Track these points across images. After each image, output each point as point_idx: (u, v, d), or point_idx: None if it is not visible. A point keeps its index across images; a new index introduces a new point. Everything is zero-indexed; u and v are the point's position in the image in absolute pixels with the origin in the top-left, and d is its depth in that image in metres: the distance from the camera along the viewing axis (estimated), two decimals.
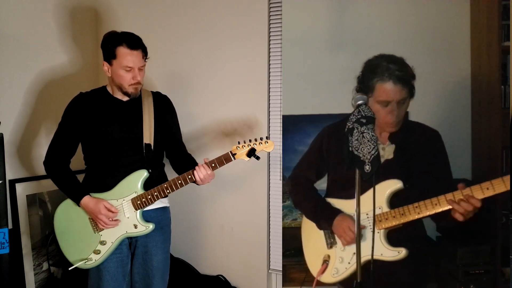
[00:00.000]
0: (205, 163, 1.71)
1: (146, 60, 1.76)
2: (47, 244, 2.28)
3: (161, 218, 1.86)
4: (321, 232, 1.91)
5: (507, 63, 1.70)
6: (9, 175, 2.05)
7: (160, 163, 1.90)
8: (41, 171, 2.29)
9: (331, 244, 1.89)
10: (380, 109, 1.80)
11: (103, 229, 1.75)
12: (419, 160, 1.81)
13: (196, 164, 1.80)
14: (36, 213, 2.24)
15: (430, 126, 1.80)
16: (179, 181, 1.71)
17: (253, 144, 1.68)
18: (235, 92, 2.37)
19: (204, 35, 2.42)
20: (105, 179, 1.77)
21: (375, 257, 1.72)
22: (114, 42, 1.69)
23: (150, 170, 1.75)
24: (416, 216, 1.71)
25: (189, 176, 1.70)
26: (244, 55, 2.32)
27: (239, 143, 1.70)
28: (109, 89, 1.82)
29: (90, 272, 1.80)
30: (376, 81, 1.81)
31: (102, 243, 1.75)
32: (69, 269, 1.78)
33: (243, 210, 2.39)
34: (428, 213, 1.69)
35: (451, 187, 1.69)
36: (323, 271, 1.88)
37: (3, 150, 1.77)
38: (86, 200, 1.72)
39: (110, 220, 1.71)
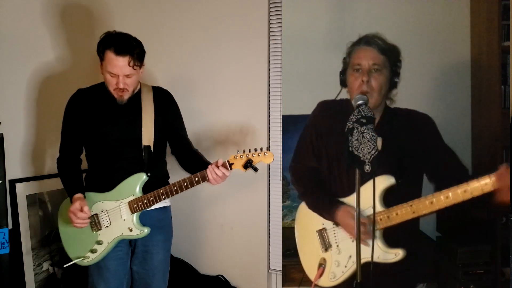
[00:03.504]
0: (215, 165, 1.64)
1: (138, 67, 1.67)
2: (49, 243, 2.28)
3: (161, 218, 1.85)
4: (316, 235, 1.90)
5: (507, 63, 1.70)
6: (9, 175, 2.05)
7: (161, 163, 1.89)
8: (41, 171, 2.30)
9: (326, 247, 1.87)
10: (353, 78, 1.77)
11: (100, 229, 1.75)
12: (410, 151, 1.77)
13: (205, 161, 1.78)
14: (36, 213, 2.23)
15: (420, 112, 1.76)
16: (175, 188, 1.67)
17: (252, 155, 1.59)
18: (235, 92, 2.37)
19: (204, 35, 2.42)
20: (104, 179, 1.77)
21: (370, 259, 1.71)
22: (104, 44, 1.64)
23: (149, 174, 1.74)
24: (411, 216, 1.69)
25: (196, 179, 1.65)
26: (244, 55, 2.33)
27: (238, 152, 1.62)
28: None
29: (90, 270, 1.81)
30: (352, 50, 1.80)
31: (99, 242, 1.75)
32: (64, 266, 1.79)
33: (243, 210, 2.39)
34: (424, 212, 1.67)
35: (465, 174, 1.68)
36: (320, 275, 1.87)
37: (3, 150, 1.77)
38: (75, 197, 1.71)
39: (77, 219, 1.67)
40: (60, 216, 1.86)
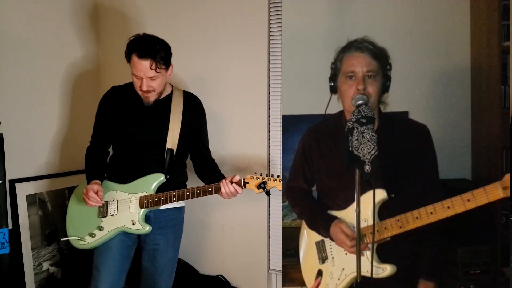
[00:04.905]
0: (229, 180, 1.71)
1: (162, 69, 1.70)
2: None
3: (174, 217, 1.89)
4: (314, 246, 1.90)
5: (507, 63, 1.70)
6: (9, 175, 2.05)
7: (181, 168, 1.92)
8: (41, 171, 2.30)
9: (323, 259, 1.87)
10: (346, 86, 1.74)
11: (106, 216, 1.79)
12: (406, 163, 1.76)
13: (219, 173, 1.84)
14: (36, 213, 2.23)
15: (417, 121, 1.76)
16: (187, 193, 1.73)
17: (268, 179, 1.70)
18: (235, 92, 2.37)
19: (204, 35, 2.42)
20: (123, 172, 1.82)
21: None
22: (130, 48, 1.70)
23: (167, 176, 1.78)
24: (399, 231, 1.68)
25: (210, 189, 1.73)
26: (244, 55, 2.33)
27: (255, 174, 1.72)
28: None
29: (95, 257, 1.82)
30: (343, 56, 1.77)
31: (100, 228, 1.79)
32: (61, 239, 1.82)
33: (243, 210, 2.39)
34: (410, 227, 1.66)
35: (439, 191, 1.68)
36: (317, 286, 1.88)
37: (3, 150, 1.77)
38: (94, 181, 1.77)
39: (91, 198, 1.70)
40: (73, 194, 1.94)
